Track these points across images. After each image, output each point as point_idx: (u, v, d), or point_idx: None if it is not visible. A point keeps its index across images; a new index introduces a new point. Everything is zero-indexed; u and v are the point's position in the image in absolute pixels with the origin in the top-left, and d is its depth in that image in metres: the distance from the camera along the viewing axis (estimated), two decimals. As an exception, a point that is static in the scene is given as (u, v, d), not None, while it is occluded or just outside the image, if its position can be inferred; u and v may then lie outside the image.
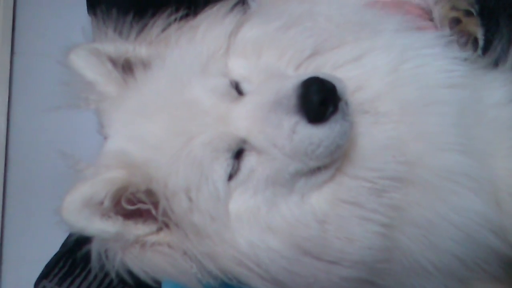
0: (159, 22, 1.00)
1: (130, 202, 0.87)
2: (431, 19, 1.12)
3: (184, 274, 0.89)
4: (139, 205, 0.88)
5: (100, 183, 0.85)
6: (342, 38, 0.96)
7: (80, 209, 0.83)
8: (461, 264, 0.91)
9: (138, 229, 0.88)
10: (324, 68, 0.92)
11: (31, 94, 2.48)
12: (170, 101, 0.89)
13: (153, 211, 0.88)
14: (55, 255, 1.72)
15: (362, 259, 0.86)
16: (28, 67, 2.54)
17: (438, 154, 0.90)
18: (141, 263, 0.89)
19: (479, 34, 1.11)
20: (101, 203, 0.84)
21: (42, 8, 2.60)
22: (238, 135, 0.86)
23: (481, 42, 1.09)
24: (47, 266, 1.71)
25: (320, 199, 0.88)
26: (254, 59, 0.95)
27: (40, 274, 1.69)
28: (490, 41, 1.06)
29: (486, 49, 1.05)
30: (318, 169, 0.86)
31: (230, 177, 0.87)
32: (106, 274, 1.58)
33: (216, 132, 0.85)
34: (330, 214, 0.86)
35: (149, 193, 0.87)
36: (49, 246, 1.75)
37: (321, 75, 0.82)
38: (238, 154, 0.87)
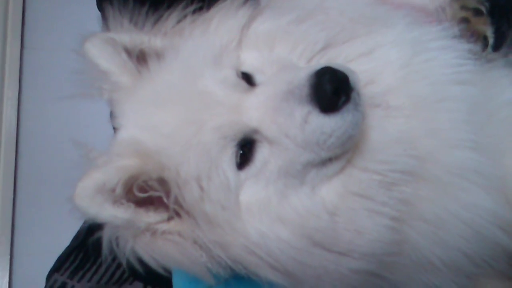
0: (174, 14, 1.00)
1: (142, 189, 0.88)
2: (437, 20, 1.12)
3: (194, 263, 0.89)
4: (151, 193, 0.88)
5: (113, 170, 0.86)
6: (354, 32, 0.96)
7: (92, 195, 0.84)
8: (469, 261, 0.91)
9: (149, 216, 0.89)
10: (336, 61, 0.92)
11: (41, 89, 2.49)
12: (183, 91, 0.90)
13: (165, 199, 0.89)
14: (66, 248, 1.73)
15: (372, 251, 0.86)
16: (38, 61, 2.56)
17: (449, 151, 0.90)
18: (151, 251, 0.89)
19: (489, 32, 1.11)
20: (114, 189, 0.85)
21: (52, 3, 2.61)
22: (249, 125, 0.86)
23: (491, 41, 1.09)
24: (58, 259, 1.72)
25: (330, 191, 0.88)
26: (267, 52, 0.96)
27: (52, 267, 1.70)
28: (501, 39, 1.06)
29: (496, 47, 1.05)
30: (329, 160, 0.87)
31: (241, 167, 0.87)
32: (117, 267, 1.62)
33: (227, 119, 0.86)
34: (340, 206, 0.87)
35: (161, 181, 0.88)
36: (60, 239, 1.76)
37: (333, 65, 0.82)
38: (251, 145, 0.87)
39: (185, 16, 1.00)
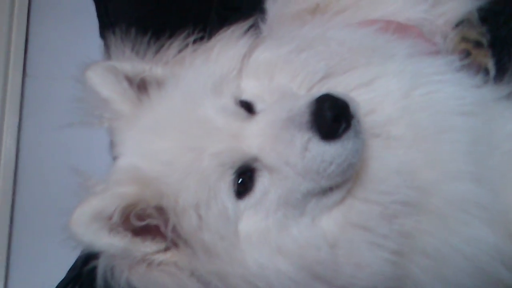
0: (175, 43, 1.01)
1: (140, 218, 0.87)
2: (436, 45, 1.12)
3: None
4: (149, 221, 0.87)
5: (110, 197, 0.85)
6: (354, 62, 0.96)
7: (88, 222, 0.83)
8: None
9: (146, 246, 0.87)
10: (336, 90, 0.91)
11: (42, 117, 2.50)
12: (183, 119, 0.90)
13: (163, 228, 0.88)
14: (62, 280, 1.70)
15: (373, 286, 0.84)
16: (39, 89, 2.57)
17: (451, 183, 0.89)
18: (147, 282, 0.87)
19: (490, 65, 1.11)
20: (110, 217, 0.83)
21: (55, 31, 2.64)
22: (249, 152, 0.86)
23: (492, 73, 1.09)
24: (53, 292, 1.69)
25: (330, 223, 0.87)
26: (267, 81, 0.96)
27: (47, 300, 1.67)
28: (503, 71, 1.05)
29: (498, 79, 1.05)
30: (329, 190, 0.86)
31: (241, 196, 0.86)
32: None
33: (226, 146, 0.86)
34: (340, 238, 0.86)
35: (159, 209, 0.87)
36: (57, 271, 1.73)
37: (334, 93, 0.82)
38: (251, 174, 0.87)
39: (186, 46, 1.00)
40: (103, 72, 0.96)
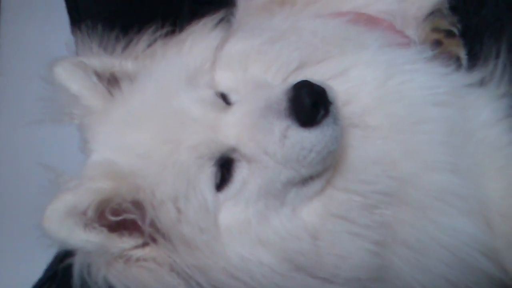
0: (145, 37, 0.99)
1: (115, 213, 0.85)
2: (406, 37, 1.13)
3: None
4: (125, 216, 0.85)
5: (83, 193, 0.82)
6: (328, 52, 0.96)
7: (62, 218, 0.80)
8: (452, 287, 0.89)
9: (123, 242, 0.85)
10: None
11: (15, 116, 2.45)
12: (158, 110, 0.89)
13: (140, 223, 0.86)
14: (38, 280, 1.67)
15: (355, 276, 0.84)
16: (12, 88, 2.52)
17: (428, 173, 0.90)
18: (125, 279, 0.85)
19: (462, 54, 1.12)
20: (85, 212, 0.81)
21: (27, 30, 2.58)
22: (227, 143, 0.85)
23: (464, 62, 1.10)
24: (29, 292, 1.66)
25: (311, 213, 0.87)
26: (241, 72, 0.95)
27: (23, 301, 1.64)
28: (474, 60, 1.06)
29: (470, 68, 1.06)
30: (309, 179, 0.86)
31: (220, 188, 0.85)
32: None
33: (203, 138, 0.85)
34: (321, 229, 0.86)
35: (136, 204, 0.85)
36: (33, 270, 1.70)
37: (311, 80, 0.82)
38: (229, 165, 0.86)
39: (155, 40, 0.99)
40: (71, 67, 0.94)
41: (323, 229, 0.85)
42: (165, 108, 0.88)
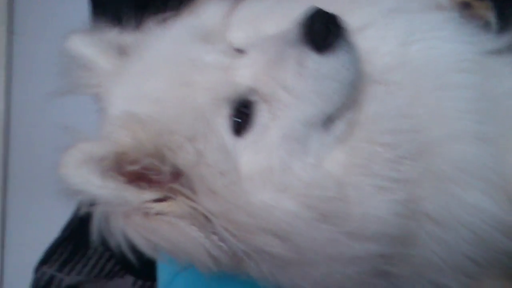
0: (157, 17, 0.99)
1: (134, 163, 0.82)
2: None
3: (191, 245, 0.83)
4: (144, 166, 0.83)
5: (102, 142, 0.82)
6: (341, 5, 0.91)
7: (79, 164, 0.79)
8: (473, 263, 0.88)
9: (142, 193, 0.83)
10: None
11: (32, 76, 2.45)
12: (173, 60, 0.88)
13: (158, 176, 0.84)
14: (55, 240, 1.70)
15: (382, 231, 0.81)
16: (27, 48, 2.51)
17: (454, 142, 0.86)
18: (144, 232, 0.83)
19: (491, 17, 1.07)
20: (102, 160, 0.80)
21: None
22: (243, 83, 0.84)
23: (493, 26, 1.05)
24: (46, 251, 1.69)
25: (334, 164, 0.84)
26: (253, 31, 0.94)
27: (40, 260, 1.68)
28: (505, 23, 1.01)
29: (500, 32, 1.01)
30: (331, 122, 0.84)
31: (240, 133, 0.84)
32: (108, 260, 1.59)
33: (219, 79, 0.84)
34: (345, 180, 0.83)
35: (155, 154, 0.83)
36: (52, 231, 1.73)
37: (320, 7, 0.80)
38: (248, 109, 0.84)
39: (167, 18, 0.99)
40: (85, 37, 0.95)
41: (348, 181, 0.83)
42: (180, 57, 0.88)
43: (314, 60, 0.80)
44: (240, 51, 0.90)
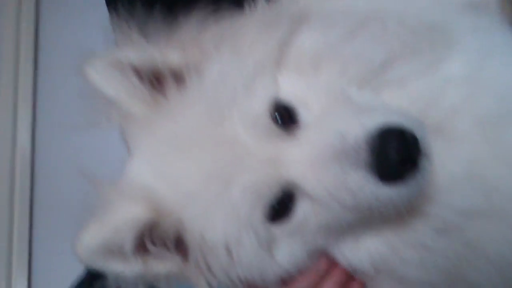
0: (192, 21, 0.84)
1: (154, 242, 0.81)
2: None
3: None
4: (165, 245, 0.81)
5: (121, 223, 0.77)
6: (416, 47, 0.81)
7: (97, 252, 0.77)
8: None
9: (161, 265, 0.81)
10: (391, 84, 0.79)
11: (56, 112, 2.45)
12: (208, 136, 0.76)
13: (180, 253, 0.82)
14: (78, 280, 1.67)
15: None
16: (52, 81, 2.51)
17: None
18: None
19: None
20: (122, 246, 0.77)
21: (66, 22, 2.56)
22: (289, 178, 0.75)
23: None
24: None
25: (377, 242, 0.79)
26: (312, 75, 0.80)
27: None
28: None
29: None
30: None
31: (276, 219, 0.77)
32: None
33: (261, 175, 0.74)
34: (390, 258, 0.78)
35: (178, 240, 0.81)
36: (77, 267, 1.69)
37: (400, 124, 0.69)
38: (289, 199, 0.77)
39: (205, 25, 0.84)
40: (104, 66, 0.81)
41: (392, 259, 0.78)
42: (217, 134, 0.76)
43: (376, 188, 0.69)
44: (292, 112, 0.78)
